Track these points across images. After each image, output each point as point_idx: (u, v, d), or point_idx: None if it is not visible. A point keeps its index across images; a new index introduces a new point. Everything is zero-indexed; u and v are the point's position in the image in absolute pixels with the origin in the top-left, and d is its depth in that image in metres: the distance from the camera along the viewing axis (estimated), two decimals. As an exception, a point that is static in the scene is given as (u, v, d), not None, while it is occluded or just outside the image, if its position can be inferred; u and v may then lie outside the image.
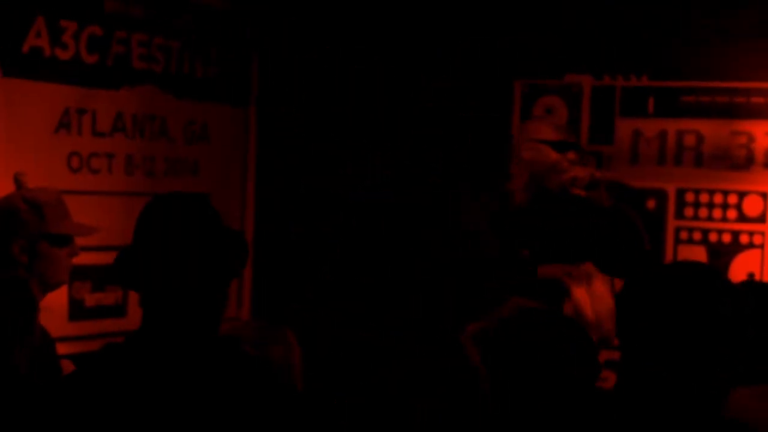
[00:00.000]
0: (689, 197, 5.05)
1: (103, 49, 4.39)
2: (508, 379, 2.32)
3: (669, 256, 5.03)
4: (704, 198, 5.03)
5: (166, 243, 2.24)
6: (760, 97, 4.93)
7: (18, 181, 3.42)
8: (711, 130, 5.01)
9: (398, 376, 1.67)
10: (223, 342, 2.31)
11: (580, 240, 4.14)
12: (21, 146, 4.09)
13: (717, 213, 5.01)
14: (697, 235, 5.04)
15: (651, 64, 5.11)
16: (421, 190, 5.47)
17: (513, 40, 5.28)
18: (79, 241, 3.41)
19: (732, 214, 4.98)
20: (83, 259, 3.50)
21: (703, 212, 5.03)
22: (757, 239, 4.94)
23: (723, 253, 4.97)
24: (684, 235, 5.00)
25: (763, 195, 4.93)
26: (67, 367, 3.30)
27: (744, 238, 4.96)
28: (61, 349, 3.52)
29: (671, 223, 5.05)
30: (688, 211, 5.05)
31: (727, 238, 4.99)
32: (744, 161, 4.96)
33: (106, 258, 2.38)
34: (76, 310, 4.37)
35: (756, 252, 4.94)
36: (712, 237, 5.01)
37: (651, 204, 5.05)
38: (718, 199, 5.01)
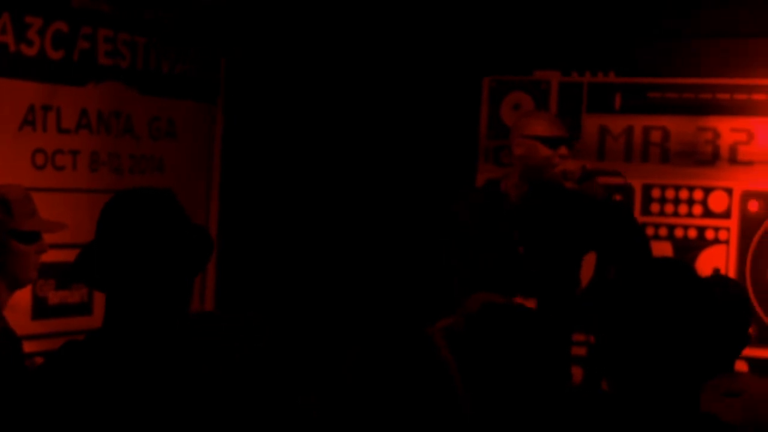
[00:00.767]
0: (655, 193, 5.07)
1: (69, 45, 4.35)
2: (476, 375, 2.32)
3: (635, 252, 5.05)
4: (670, 194, 5.05)
5: (130, 239, 2.22)
6: (726, 94, 4.96)
7: (-18, 178, 3.39)
8: (677, 126, 5.04)
9: (366, 370, 1.67)
10: (191, 337, 2.29)
11: (577, 233, 4.15)
12: (-15, 143, 4.06)
13: (683, 209, 5.03)
14: (663, 231, 5.06)
15: (618, 60, 5.13)
16: (389, 186, 5.47)
17: (481, 37, 5.30)
18: (45, 238, 3.38)
19: (698, 209, 5.01)
20: (47, 256, 3.46)
21: (669, 208, 5.06)
22: (722, 235, 4.97)
23: (689, 249, 4.99)
24: (650, 230, 5.02)
25: (729, 191, 4.96)
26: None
27: (710, 234, 4.99)
28: (25, 347, 3.48)
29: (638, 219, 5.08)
30: (655, 207, 5.08)
31: (692, 233, 5.02)
32: (710, 157, 4.99)
33: (71, 255, 2.35)
34: (40, 309, 4.33)
35: (721, 247, 4.97)
36: (678, 233, 5.04)
37: (617, 199, 5.08)
38: (683, 194, 5.03)
